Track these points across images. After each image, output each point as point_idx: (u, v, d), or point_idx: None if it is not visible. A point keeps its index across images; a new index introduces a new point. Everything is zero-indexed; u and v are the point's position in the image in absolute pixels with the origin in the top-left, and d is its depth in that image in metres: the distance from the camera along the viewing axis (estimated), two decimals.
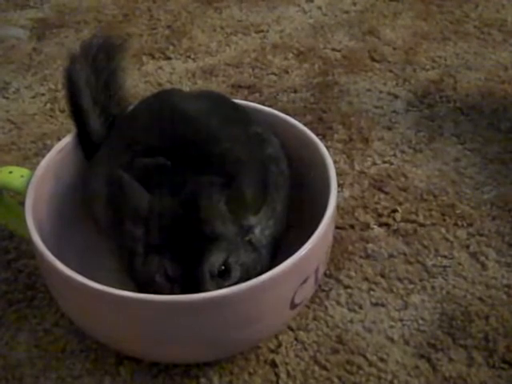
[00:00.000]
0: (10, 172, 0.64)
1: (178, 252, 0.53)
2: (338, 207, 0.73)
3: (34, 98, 0.93)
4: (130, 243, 0.56)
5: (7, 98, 0.93)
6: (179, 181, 0.56)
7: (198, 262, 0.53)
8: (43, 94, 0.93)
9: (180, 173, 0.56)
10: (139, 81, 0.95)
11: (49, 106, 0.91)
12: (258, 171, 0.58)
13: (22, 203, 0.60)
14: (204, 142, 0.59)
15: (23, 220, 0.58)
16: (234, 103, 0.67)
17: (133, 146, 0.60)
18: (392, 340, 0.63)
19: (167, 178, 0.56)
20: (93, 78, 0.66)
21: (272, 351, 0.63)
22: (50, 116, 0.90)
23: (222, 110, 0.64)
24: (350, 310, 0.66)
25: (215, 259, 0.53)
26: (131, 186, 0.55)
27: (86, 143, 0.66)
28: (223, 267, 0.54)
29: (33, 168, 0.64)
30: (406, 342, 0.63)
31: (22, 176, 0.63)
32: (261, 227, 0.57)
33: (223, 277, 0.54)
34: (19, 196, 0.64)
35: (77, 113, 0.66)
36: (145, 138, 0.60)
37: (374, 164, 0.81)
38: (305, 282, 0.56)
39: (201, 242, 0.53)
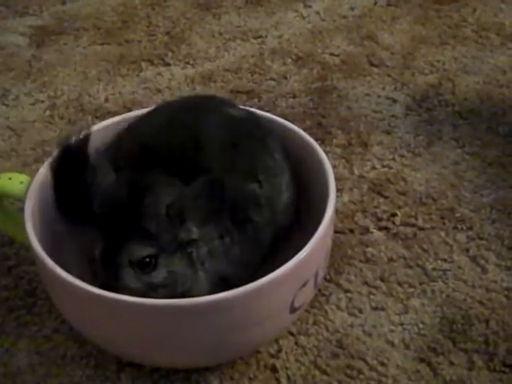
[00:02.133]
0: (10, 178, 0.64)
1: (109, 233, 0.55)
2: (337, 212, 0.74)
3: (33, 104, 0.93)
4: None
5: (7, 105, 0.93)
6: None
7: (119, 246, 0.54)
8: (43, 101, 0.93)
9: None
10: (138, 87, 0.95)
11: (48, 112, 0.91)
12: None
13: (22, 209, 0.60)
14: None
15: (23, 226, 0.58)
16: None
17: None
18: (392, 344, 0.63)
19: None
20: None
21: (272, 356, 0.63)
22: (50, 123, 0.90)
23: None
24: (350, 314, 0.66)
25: (136, 249, 0.54)
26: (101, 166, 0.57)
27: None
28: (147, 260, 0.54)
29: (32, 174, 0.64)
30: (407, 346, 0.63)
31: (21, 182, 0.63)
32: (207, 249, 0.56)
33: (144, 270, 0.54)
34: (19, 202, 0.64)
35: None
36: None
37: (373, 168, 0.81)
38: (304, 285, 0.56)
39: (132, 232, 0.55)
